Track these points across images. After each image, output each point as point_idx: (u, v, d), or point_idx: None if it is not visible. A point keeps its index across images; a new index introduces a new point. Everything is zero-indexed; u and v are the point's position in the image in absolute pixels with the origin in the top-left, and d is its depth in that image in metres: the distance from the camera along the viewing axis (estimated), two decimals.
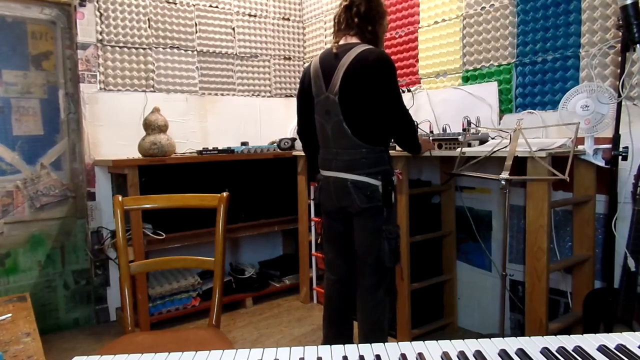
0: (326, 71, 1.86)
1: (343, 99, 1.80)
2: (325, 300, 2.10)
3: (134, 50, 3.02)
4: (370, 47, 1.82)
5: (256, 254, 3.60)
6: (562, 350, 0.72)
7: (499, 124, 2.42)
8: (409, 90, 2.85)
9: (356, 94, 1.79)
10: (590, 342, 0.75)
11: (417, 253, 2.47)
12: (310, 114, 1.99)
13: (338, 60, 1.82)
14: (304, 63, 3.84)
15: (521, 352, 0.71)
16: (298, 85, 2.08)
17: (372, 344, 0.74)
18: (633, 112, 1.93)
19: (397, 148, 2.26)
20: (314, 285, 3.17)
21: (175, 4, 3.18)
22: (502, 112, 2.43)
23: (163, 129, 2.77)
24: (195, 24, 3.27)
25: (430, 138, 2.20)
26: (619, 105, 1.85)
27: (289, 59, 3.77)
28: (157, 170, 2.75)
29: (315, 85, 1.91)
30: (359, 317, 1.95)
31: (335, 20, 1.94)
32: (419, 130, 2.52)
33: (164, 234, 2.70)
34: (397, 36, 2.97)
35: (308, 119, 2.02)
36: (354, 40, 1.87)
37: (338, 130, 1.85)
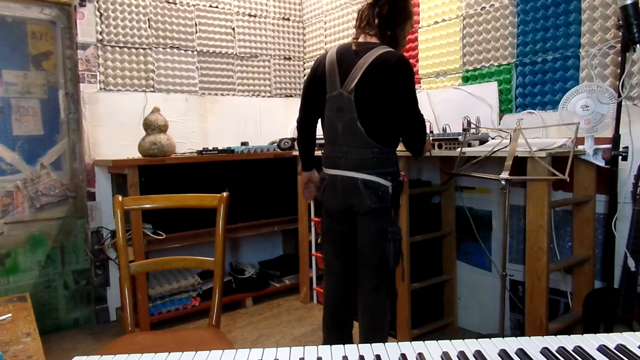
0: (343, 67, 1.81)
1: (359, 98, 1.77)
2: (325, 302, 2.09)
3: (134, 50, 3.02)
4: (391, 49, 1.79)
5: (256, 254, 3.60)
6: (562, 350, 0.72)
7: (499, 124, 2.42)
8: None
9: (373, 94, 1.76)
10: (590, 342, 0.75)
11: (417, 253, 2.47)
12: (317, 105, 1.93)
13: (357, 58, 1.78)
14: (304, 63, 3.84)
15: (521, 352, 0.71)
16: (307, 73, 2.00)
17: (372, 344, 0.74)
18: (633, 112, 1.93)
19: (398, 148, 2.26)
20: (314, 285, 3.17)
21: (175, 4, 3.18)
22: (502, 112, 2.43)
23: (163, 129, 2.77)
24: (195, 24, 3.27)
25: (430, 138, 2.20)
26: (619, 105, 1.85)
27: (289, 59, 3.77)
28: (157, 170, 2.74)
29: (329, 79, 1.86)
30: (360, 318, 1.94)
31: (358, 16, 1.89)
32: None
33: (164, 234, 2.70)
34: None
35: (313, 110, 1.97)
36: (374, 40, 1.84)
37: (350, 128, 1.81)
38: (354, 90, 1.77)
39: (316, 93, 1.92)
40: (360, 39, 1.86)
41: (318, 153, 2.09)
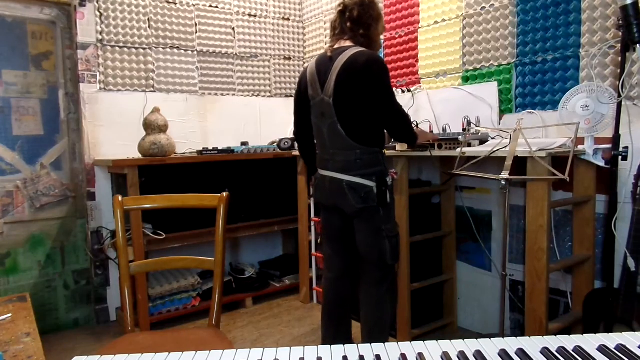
0: (321, 74, 1.91)
1: (337, 101, 1.85)
2: (324, 298, 2.13)
3: (134, 50, 3.02)
4: (362, 49, 1.86)
5: (256, 254, 3.60)
6: (562, 350, 0.72)
7: (499, 124, 2.42)
8: (408, 90, 2.84)
9: (349, 95, 1.84)
10: (590, 342, 0.75)
11: (417, 253, 2.47)
12: (306, 116, 2.04)
13: (332, 63, 1.87)
14: (304, 63, 3.84)
15: (521, 352, 0.71)
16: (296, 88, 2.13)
17: (372, 344, 0.74)
18: (633, 112, 1.93)
19: (397, 148, 2.26)
20: (314, 285, 3.17)
21: (175, 4, 3.18)
22: (502, 112, 2.43)
23: (163, 129, 2.77)
24: (195, 24, 3.27)
25: (432, 133, 2.21)
26: (619, 105, 1.85)
27: (289, 59, 3.77)
28: (157, 170, 2.74)
29: (311, 88, 1.96)
30: (363, 313, 1.97)
31: (332, 26, 2.00)
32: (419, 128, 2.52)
33: (164, 234, 2.70)
34: (397, 36, 2.97)
35: (305, 121, 2.08)
36: (348, 43, 1.92)
37: (333, 131, 1.89)
38: (332, 94, 1.84)
39: (304, 105, 2.03)
40: (336, 46, 1.94)
41: None
